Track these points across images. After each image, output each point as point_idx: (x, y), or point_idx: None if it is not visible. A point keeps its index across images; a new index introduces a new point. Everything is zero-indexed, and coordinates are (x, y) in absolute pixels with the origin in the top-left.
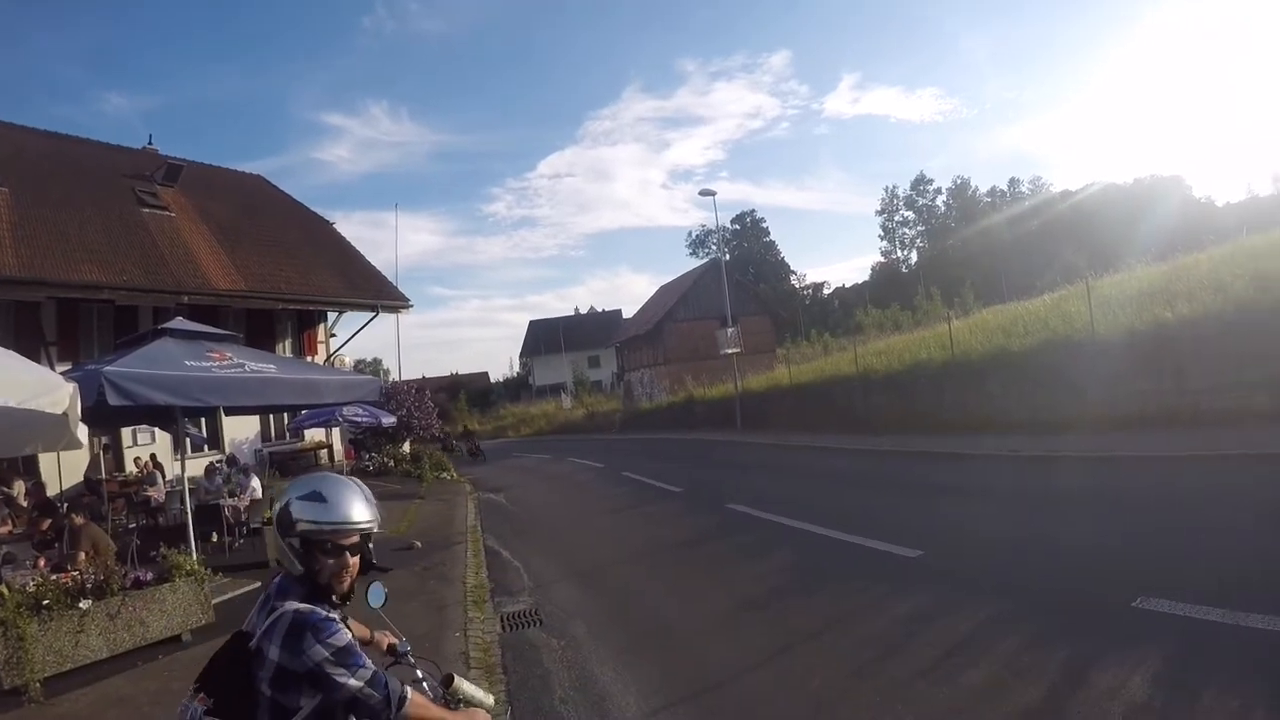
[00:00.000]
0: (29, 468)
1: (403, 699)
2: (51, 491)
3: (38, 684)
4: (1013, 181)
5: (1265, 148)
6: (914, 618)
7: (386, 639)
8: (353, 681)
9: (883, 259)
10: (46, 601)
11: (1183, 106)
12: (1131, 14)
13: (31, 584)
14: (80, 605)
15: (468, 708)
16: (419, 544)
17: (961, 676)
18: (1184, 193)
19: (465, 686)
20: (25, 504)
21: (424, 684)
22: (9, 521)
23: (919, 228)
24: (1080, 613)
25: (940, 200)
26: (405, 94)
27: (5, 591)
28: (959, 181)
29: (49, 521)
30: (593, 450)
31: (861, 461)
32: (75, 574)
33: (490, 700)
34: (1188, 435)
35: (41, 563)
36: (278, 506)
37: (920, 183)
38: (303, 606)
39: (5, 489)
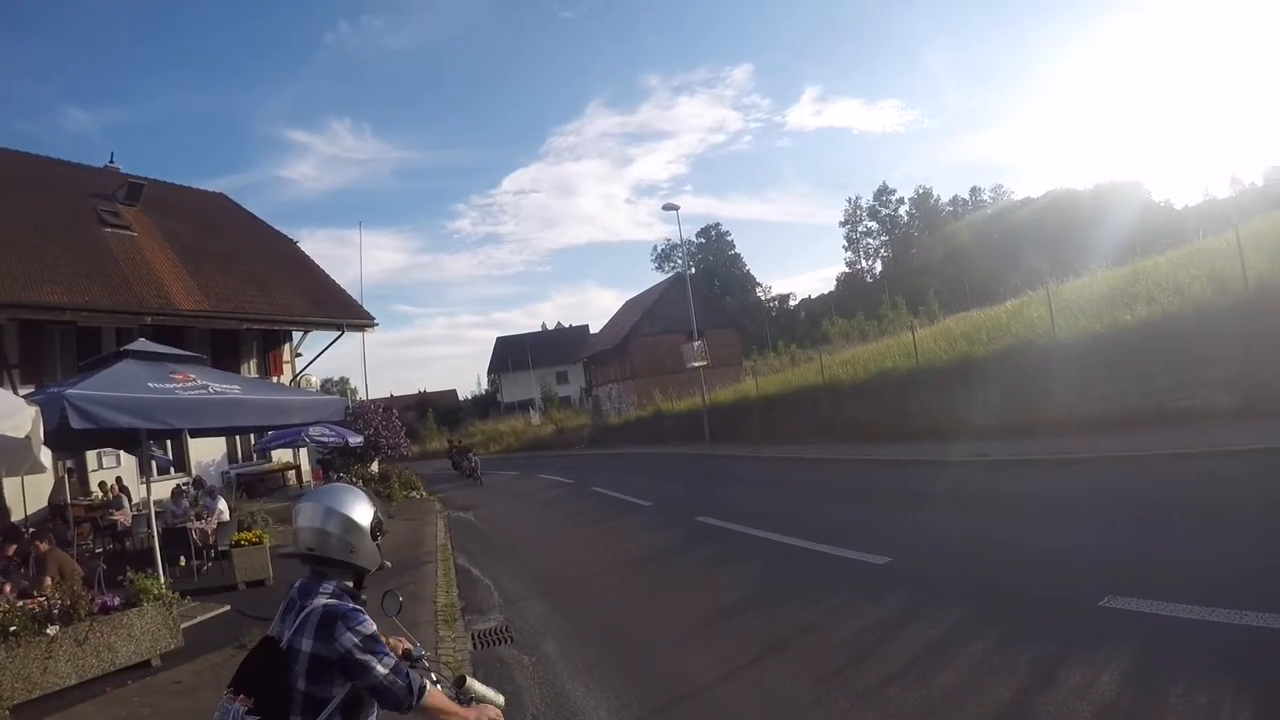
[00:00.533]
0: None
1: (423, 689)
2: (16, 517)
3: (7, 711)
4: (974, 190)
5: (1221, 151)
6: (884, 623)
7: (401, 644)
8: (379, 668)
9: (847, 269)
10: (13, 628)
11: (1141, 112)
12: (1090, 23)
13: None
14: (47, 631)
15: (478, 704)
16: (389, 564)
17: (932, 680)
18: (1143, 197)
19: (477, 686)
20: None
21: (438, 685)
22: None
23: (883, 237)
24: (1049, 613)
25: (903, 210)
26: (369, 111)
27: None
28: (921, 191)
29: (14, 547)
30: (562, 466)
31: (829, 471)
32: (42, 600)
33: (501, 699)
34: (1151, 435)
35: (7, 589)
36: (368, 517)
37: (883, 193)
38: (330, 600)
39: None
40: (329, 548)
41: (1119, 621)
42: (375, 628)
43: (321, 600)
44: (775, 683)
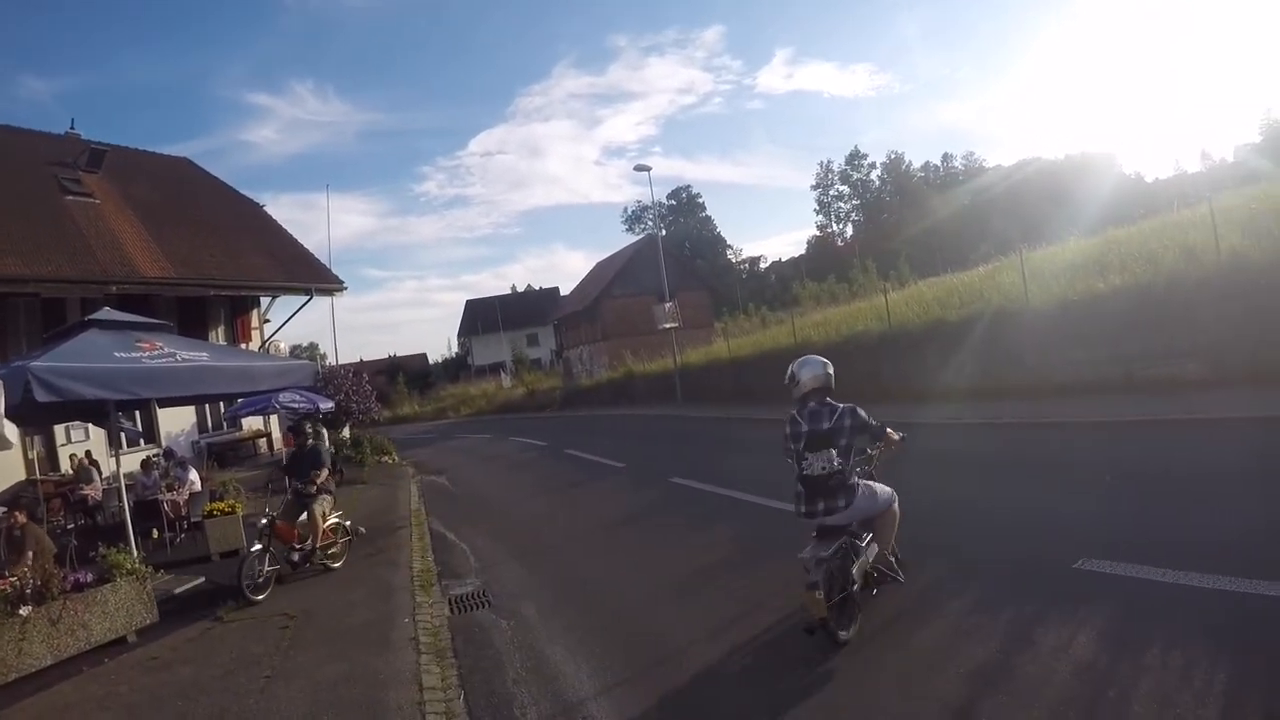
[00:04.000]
0: None
1: (884, 426)
2: None
3: None
4: (946, 157)
5: (1192, 126)
6: None
7: None
8: (874, 421)
9: (818, 233)
10: None
11: (1113, 85)
12: None
13: None
14: (20, 612)
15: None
16: (363, 530)
17: (910, 640)
18: (1115, 169)
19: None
20: None
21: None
22: None
23: (854, 202)
24: (1023, 575)
25: (875, 175)
26: (331, 72)
27: None
28: (893, 156)
29: None
30: (534, 429)
31: None
32: (14, 580)
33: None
34: (1122, 402)
35: None
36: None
37: (855, 158)
38: (846, 404)
39: None
40: (830, 382)
41: (1094, 584)
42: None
43: (843, 404)
44: (754, 642)
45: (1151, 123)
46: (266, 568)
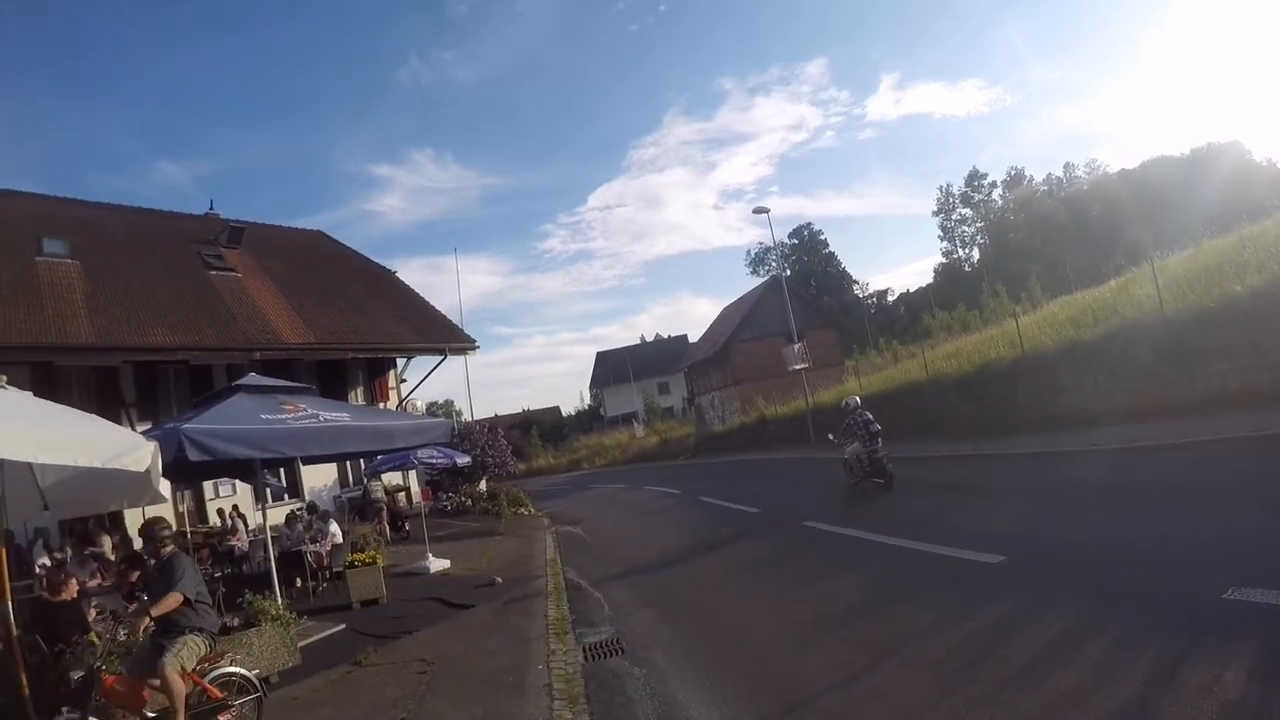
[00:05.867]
0: (115, 523)
1: None
2: (138, 545)
3: None
4: (1068, 166)
5: None
6: (999, 625)
7: None
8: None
9: (944, 259)
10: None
11: (1232, 68)
12: None
13: (122, 634)
14: None
15: None
16: (500, 580)
17: (1049, 681)
18: (1243, 157)
19: None
20: (113, 558)
21: None
22: (99, 575)
23: (978, 224)
24: (1169, 609)
25: (996, 194)
26: (448, 140)
27: (95, 640)
28: (1013, 173)
29: (138, 573)
30: (668, 476)
31: (936, 468)
32: None
33: None
34: (1271, 412)
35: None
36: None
37: (974, 178)
38: None
39: (94, 545)
40: None
41: (1244, 614)
42: None
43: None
44: (889, 688)
45: (1278, 103)
46: None
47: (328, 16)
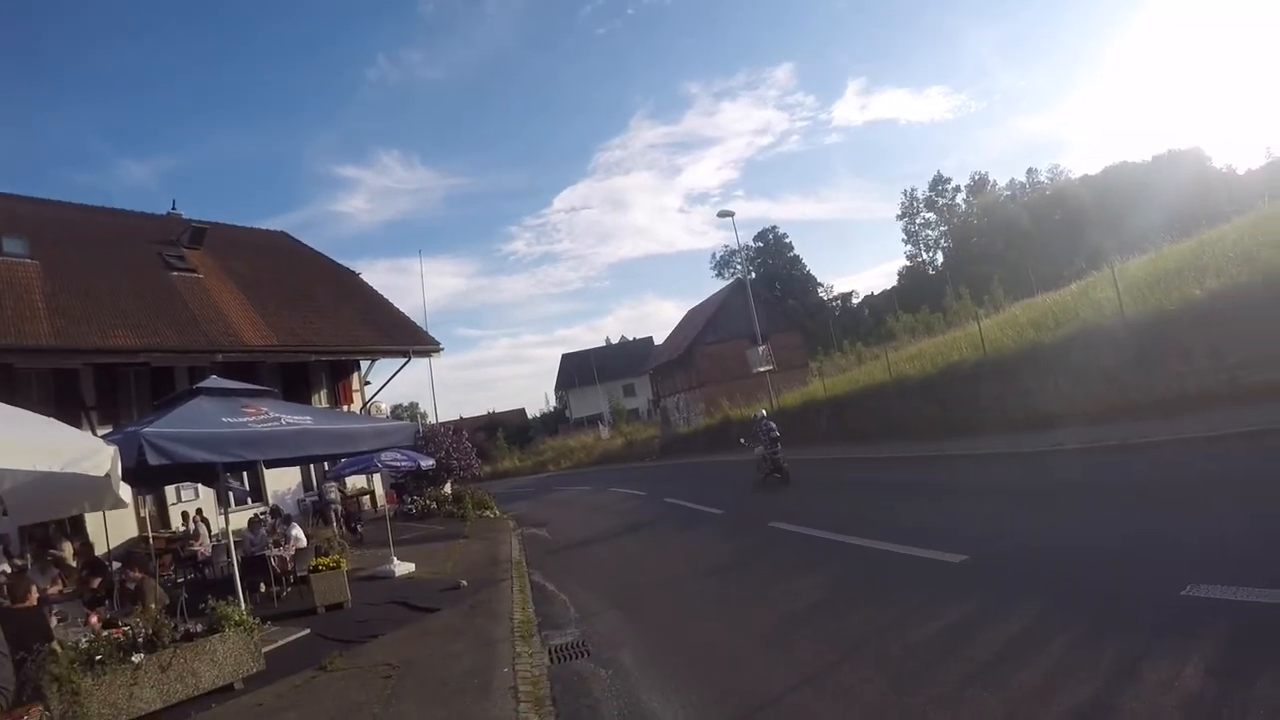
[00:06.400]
0: (76, 528)
1: None
2: (99, 550)
3: None
4: (1030, 171)
5: None
6: (962, 623)
7: None
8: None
9: (908, 263)
10: (99, 656)
11: (1194, 77)
12: None
13: (84, 640)
14: (132, 659)
15: None
16: (465, 582)
17: (1012, 679)
18: (1203, 164)
19: None
20: (74, 564)
21: None
22: (60, 581)
23: (941, 228)
24: (1129, 606)
25: (960, 199)
26: (415, 142)
27: (59, 649)
28: (977, 178)
29: (99, 580)
30: (633, 478)
31: (901, 469)
32: (126, 629)
33: None
34: (1228, 413)
35: (94, 619)
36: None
37: (938, 183)
38: None
39: (54, 550)
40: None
41: (1202, 610)
42: None
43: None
44: (854, 686)
45: (1237, 110)
46: None
47: (296, 15)
